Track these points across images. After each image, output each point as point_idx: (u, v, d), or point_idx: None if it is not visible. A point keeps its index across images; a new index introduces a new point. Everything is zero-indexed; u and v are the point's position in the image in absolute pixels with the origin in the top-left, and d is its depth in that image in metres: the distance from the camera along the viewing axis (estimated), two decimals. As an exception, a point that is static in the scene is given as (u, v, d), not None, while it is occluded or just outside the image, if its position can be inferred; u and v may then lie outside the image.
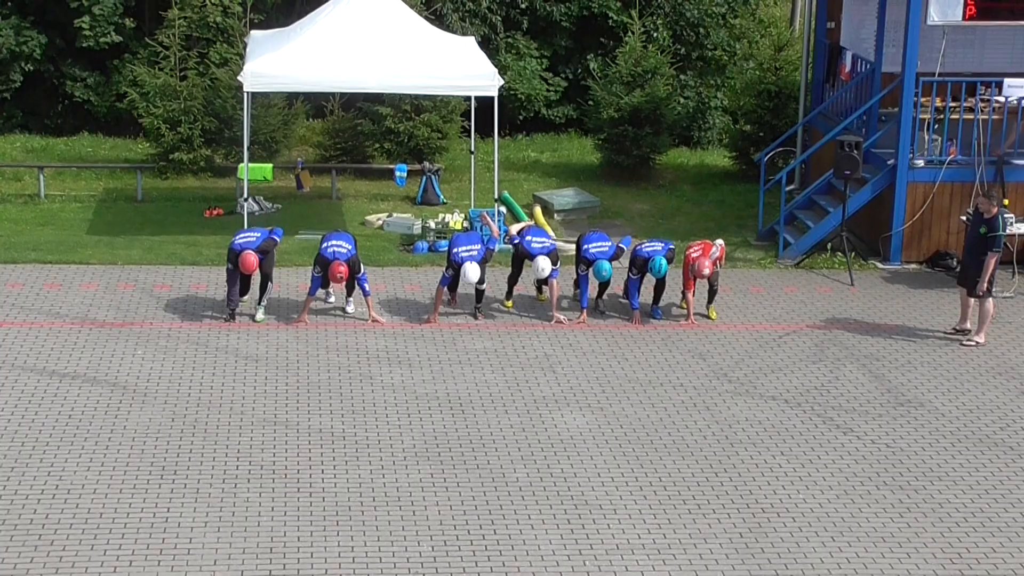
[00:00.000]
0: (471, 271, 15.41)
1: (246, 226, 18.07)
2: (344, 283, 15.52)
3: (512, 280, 16.37)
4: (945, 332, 15.96)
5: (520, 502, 11.56)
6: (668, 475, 12.17)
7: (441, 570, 10.47)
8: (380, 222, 19.60)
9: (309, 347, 14.89)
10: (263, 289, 15.62)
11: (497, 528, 11.12)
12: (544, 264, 15.72)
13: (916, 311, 16.79)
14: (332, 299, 16.13)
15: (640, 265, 15.93)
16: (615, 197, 21.55)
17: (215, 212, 19.91)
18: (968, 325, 15.85)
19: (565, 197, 20.79)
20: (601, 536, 11.06)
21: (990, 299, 15.57)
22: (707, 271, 15.81)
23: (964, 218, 17.86)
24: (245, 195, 18.71)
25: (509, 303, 16.37)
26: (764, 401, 13.86)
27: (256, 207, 19.84)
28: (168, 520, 11.07)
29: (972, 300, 15.67)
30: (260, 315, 15.57)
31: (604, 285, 16.29)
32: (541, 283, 16.35)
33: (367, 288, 15.61)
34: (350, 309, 15.91)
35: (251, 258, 15.20)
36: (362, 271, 15.52)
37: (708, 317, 16.20)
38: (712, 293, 16.25)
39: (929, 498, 11.95)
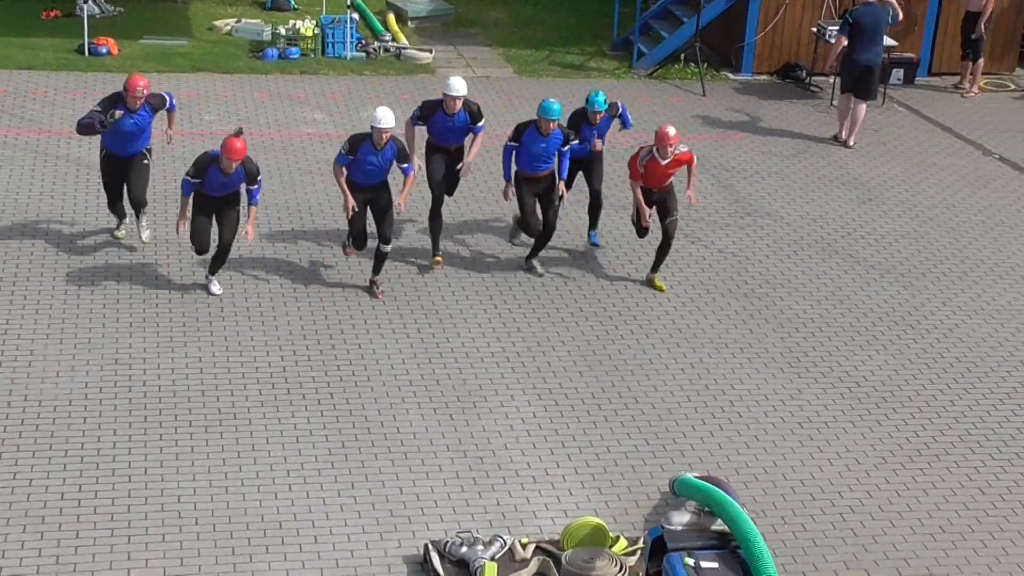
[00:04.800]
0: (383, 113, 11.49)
1: (86, 28, 17.34)
2: (239, 163, 11.42)
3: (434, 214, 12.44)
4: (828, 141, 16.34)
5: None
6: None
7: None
8: (228, 28, 19.01)
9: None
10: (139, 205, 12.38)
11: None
12: (456, 82, 12.13)
13: (766, 122, 16.96)
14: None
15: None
16: (470, 4, 21.15)
17: (53, 14, 19.05)
18: (844, 134, 16.21)
19: (419, 4, 20.36)
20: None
21: (863, 104, 16.05)
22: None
23: (815, 30, 17.98)
24: (85, -4, 17.90)
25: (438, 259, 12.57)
26: (615, 211, 13.91)
27: (97, 9, 19.02)
28: None
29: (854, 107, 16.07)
30: (146, 235, 12.50)
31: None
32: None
33: (257, 198, 11.73)
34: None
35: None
36: (258, 184, 11.70)
37: (655, 287, 12.52)
38: (664, 247, 12.37)
39: (771, 304, 12.26)
